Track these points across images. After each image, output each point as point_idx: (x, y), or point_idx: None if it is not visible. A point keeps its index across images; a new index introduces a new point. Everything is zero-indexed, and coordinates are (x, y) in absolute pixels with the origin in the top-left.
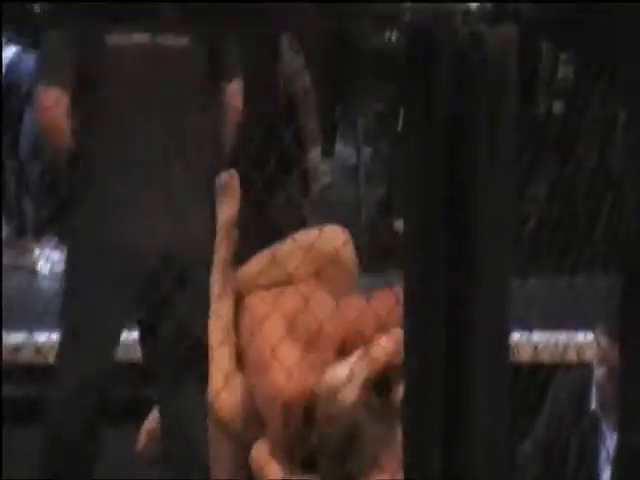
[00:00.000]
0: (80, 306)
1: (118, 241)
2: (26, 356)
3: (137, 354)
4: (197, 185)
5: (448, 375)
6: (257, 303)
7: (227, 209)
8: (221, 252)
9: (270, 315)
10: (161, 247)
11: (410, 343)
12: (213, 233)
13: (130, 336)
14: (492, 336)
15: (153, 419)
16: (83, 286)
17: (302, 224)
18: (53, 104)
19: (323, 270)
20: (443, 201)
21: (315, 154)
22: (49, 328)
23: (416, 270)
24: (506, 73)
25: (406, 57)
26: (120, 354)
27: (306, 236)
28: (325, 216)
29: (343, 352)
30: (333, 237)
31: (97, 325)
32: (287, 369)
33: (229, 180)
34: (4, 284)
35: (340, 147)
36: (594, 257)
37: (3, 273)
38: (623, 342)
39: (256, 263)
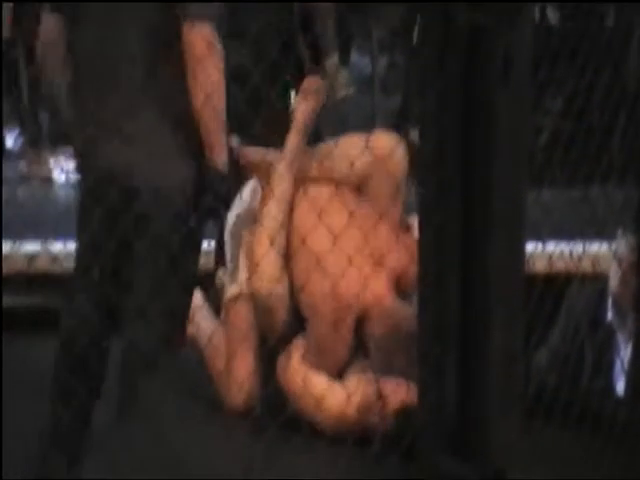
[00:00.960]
0: (79, 226)
1: (86, 164)
2: (41, 265)
3: None
4: (154, 112)
5: (463, 286)
6: (317, 204)
7: (305, 105)
8: (291, 143)
9: (327, 228)
10: (107, 171)
11: (426, 254)
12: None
13: None
14: (507, 246)
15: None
16: (80, 206)
17: (317, 136)
18: None
19: (371, 174)
20: (459, 112)
21: (333, 61)
22: (64, 237)
23: (431, 180)
24: None
25: None
26: None
27: (357, 139)
28: (340, 126)
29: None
30: (384, 142)
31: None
32: (348, 276)
33: (313, 83)
34: (19, 194)
35: (355, 58)
36: (610, 168)
37: (18, 183)
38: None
39: (305, 155)
